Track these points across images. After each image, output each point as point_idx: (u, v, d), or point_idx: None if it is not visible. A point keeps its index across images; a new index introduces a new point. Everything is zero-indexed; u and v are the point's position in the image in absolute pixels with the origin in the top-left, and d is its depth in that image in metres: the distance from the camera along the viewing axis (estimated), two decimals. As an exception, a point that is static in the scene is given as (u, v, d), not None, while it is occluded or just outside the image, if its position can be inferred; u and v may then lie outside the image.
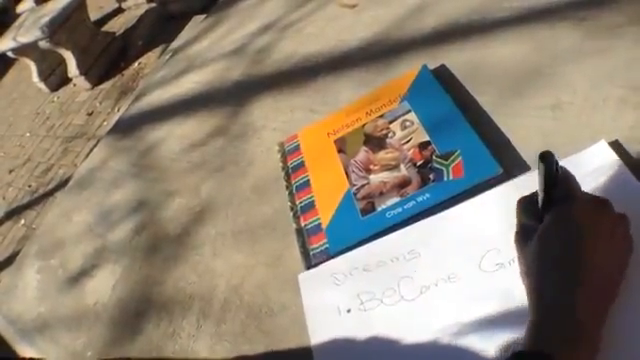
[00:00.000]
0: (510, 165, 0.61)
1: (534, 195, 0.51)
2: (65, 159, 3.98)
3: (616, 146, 0.56)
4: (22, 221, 3.71)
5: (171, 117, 1.15)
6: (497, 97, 0.70)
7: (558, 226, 0.46)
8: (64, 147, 4.10)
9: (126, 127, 1.24)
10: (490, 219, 0.58)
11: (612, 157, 0.55)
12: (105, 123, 3.93)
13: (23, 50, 4.35)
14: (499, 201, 0.59)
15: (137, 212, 0.97)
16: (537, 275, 0.46)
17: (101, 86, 4.40)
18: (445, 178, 0.64)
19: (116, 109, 3.97)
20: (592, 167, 0.56)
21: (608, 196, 0.53)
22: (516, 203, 0.52)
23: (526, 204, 0.51)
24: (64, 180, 3.65)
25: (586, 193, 0.50)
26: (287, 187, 0.78)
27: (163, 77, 1.32)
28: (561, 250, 0.45)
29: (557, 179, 0.48)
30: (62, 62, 4.52)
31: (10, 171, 4.34)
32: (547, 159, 0.46)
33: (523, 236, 0.50)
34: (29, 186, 4.01)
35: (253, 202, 0.82)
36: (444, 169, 0.65)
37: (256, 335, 0.66)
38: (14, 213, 3.86)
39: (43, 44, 4.11)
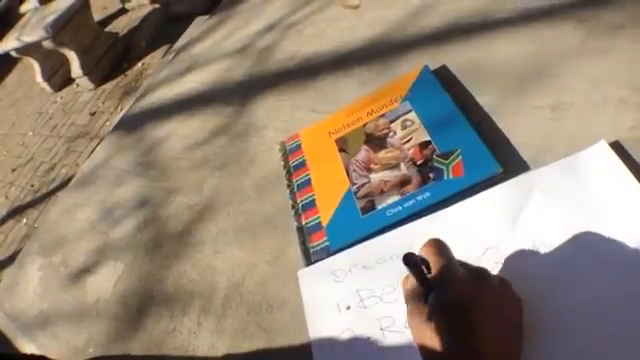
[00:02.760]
0: (510, 165, 0.61)
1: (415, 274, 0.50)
2: (68, 159, 4.00)
3: (616, 147, 0.57)
4: (24, 220, 3.73)
5: (174, 116, 1.16)
6: (498, 97, 0.70)
7: (439, 312, 0.46)
8: (67, 147, 4.12)
9: (129, 125, 1.25)
10: (489, 218, 0.59)
11: (612, 157, 0.56)
12: (108, 123, 3.94)
13: (27, 50, 4.37)
14: (499, 200, 0.59)
15: (139, 210, 0.97)
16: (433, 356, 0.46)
17: (104, 86, 4.42)
18: (445, 177, 0.64)
19: (119, 109, 3.99)
20: (592, 167, 0.56)
21: (608, 197, 0.54)
22: (402, 288, 0.52)
23: (410, 289, 0.50)
24: (67, 179, 3.66)
25: (463, 267, 0.49)
26: (288, 186, 0.79)
27: (166, 76, 1.33)
28: (449, 335, 0.44)
29: (429, 266, 0.48)
30: (65, 62, 4.54)
31: (13, 170, 4.36)
32: (410, 263, 0.48)
33: (415, 321, 0.48)
34: (32, 185, 4.03)
35: (254, 200, 0.83)
36: (444, 168, 0.65)
37: (256, 331, 0.67)
38: (16, 212, 3.88)
39: (47, 44, 4.13)
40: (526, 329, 0.48)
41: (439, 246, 0.49)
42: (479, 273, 0.48)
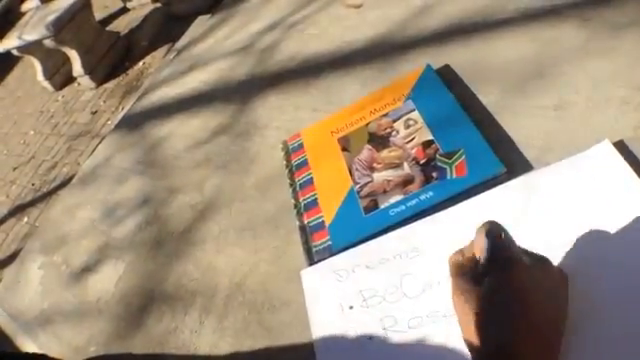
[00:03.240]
0: (513, 164, 0.61)
1: (466, 252, 0.50)
2: (69, 157, 3.99)
3: (620, 146, 0.56)
4: (25, 219, 3.73)
5: (175, 115, 1.16)
6: (500, 97, 0.70)
7: (498, 292, 0.45)
8: (68, 145, 4.12)
9: (131, 124, 1.25)
10: (492, 217, 0.58)
11: (615, 157, 0.56)
12: (109, 122, 3.94)
13: (28, 48, 4.36)
14: (502, 199, 0.59)
15: (141, 209, 0.97)
16: (479, 339, 0.45)
17: (105, 85, 4.42)
18: (448, 176, 0.64)
19: (120, 108, 3.98)
20: (595, 167, 0.56)
21: (612, 196, 0.54)
22: (449, 264, 0.51)
23: (459, 263, 0.50)
24: (68, 178, 3.66)
25: (526, 254, 0.48)
26: (290, 185, 0.79)
27: (168, 76, 1.32)
28: (502, 315, 0.45)
29: (500, 244, 0.47)
30: (67, 61, 4.54)
31: (14, 169, 4.36)
32: (491, 234, 0.46)
33: (459, 299, 0.48)
34: (33, 184, 4.03)
35: (256, 199, 0.83)
36: (447, 167, 0.65)
37: (258, 331, 0.66)
38: (17, 211, 3.87)
39: (48, 43, 4.12)
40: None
41: (500, 228, 0.48)
42: (542, 260, 0.48)
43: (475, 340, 0.45)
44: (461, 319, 0.48)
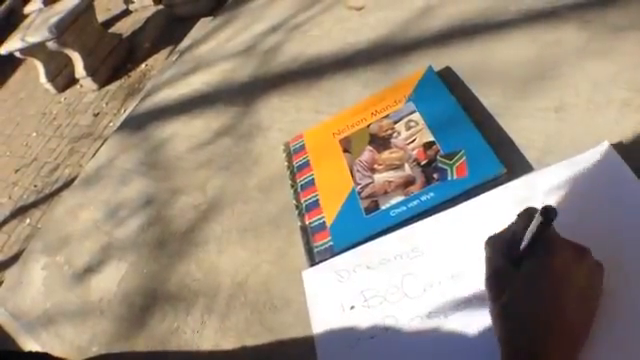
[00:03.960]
0: (513, 165, 0.62)
1: (505, 235, 0.50)
2: (71, 159, 4.00)
3: (619, 148, 0.57)
4: (27, 220, 3.73)
5: (178, 116, 1.16)
6: (501, 98, 0.70)
7: (538, 276, 0.46)
8: (70, 147, 4.13)
9: (134, 126, 1.25)
10: (493, 218, 0.58)
11: (615, 158, 0.56)
12: (111, 124, 3.95)
13: (31, 50, 4.38)
14: (502, 200, 0.60)
15: (143, 209, 0.97)
16: (511, 320, 0.46)
17: (107, 87, 4.43)
18: (449, 177, 0.65)
19: (122, 110, 3.99)
20: (595, 168, 0.56)
21: (610, 197, 0.54)
22: (485, 243, 0.51)
23: (498, 245, 0.50)
24: (70, 180, 3.67)
25: (566, 242, 0.48)
26: (292, 186, 0.79)
27: (170, 77, 1.33)
28: (539, 300, 0.45)
29: (547, 227, 0.47)
30: (69, 63, 4.55)
31: (16, 170, 4.37)
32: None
33: (497, 281, 0.49)
34: (35, 186, 4.04)
35: (258, 200, 0.83)
36: (448, 168, 0.65)
37: (260, 331, 0.67)
38: (20, 212, 3.88)
39: (51, 45, 4.14)
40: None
41: (553, 213, 0.47)
42: (582, 249, 0.47)
43: (505, 330, 0.46)
44: (494, 304, 0.48)
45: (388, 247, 0.63)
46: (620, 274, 0.49)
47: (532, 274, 0.46)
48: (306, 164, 0.81)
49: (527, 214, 0.49)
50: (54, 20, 4.03)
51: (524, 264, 0.46)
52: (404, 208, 0.65)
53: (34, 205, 3.85)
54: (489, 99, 0.71)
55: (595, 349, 0.46)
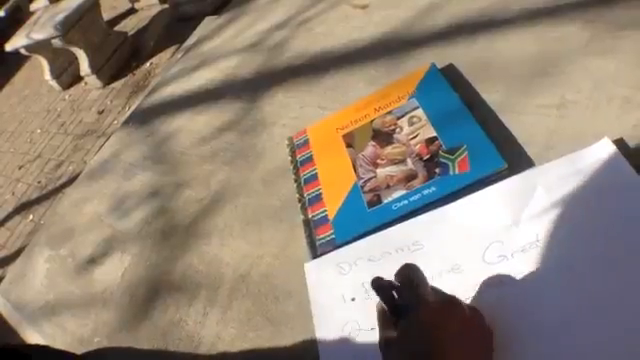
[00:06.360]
0: (515, 161, 0.62)
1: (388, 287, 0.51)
2: (75, 156, 4.02)
3: (620, 144, 0.57)
4: (30, 217, 3.75)
5: (183, 112, 1.17)
6: (503, 95, 0.71)
7: (409, 335, 0.46)
8: (74, 144, 4.14)
9: (138, 121, 1.26)
10: (494, 212, 0.59)
11: (615, 154, 0.56)
12: (115, 122, 3.97)
13: (36, 48, 4.40)
14: (503, 195, 0.60)
15: (147, 202, 0.98)
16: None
17: (112, 85, 4.45)
18: (451, 172, 0.65)
19: (126, 108, 4.01)
20: (595, 164, 0.57)
21: (611, 193, 0.54)
22: (376, 314, 0.52)
23: (382, 315, 0.51)
24: (73, 177, 3.68)
25: (435, 293, 0.49)
26: (295, 180, 0.80)
27: (176, 74, 1.34)
28: (413, 356, 0.45)
29: (401, 290, 0.49)
30: (74, 60, 4.57)
31: (20, 167, 4.39)
32: (378, 288, 0.48)
33: (386, 346, 0.49)
34: (38, 182, 4.05)
35: (261, 194, 0.84)
36: (450, 163, 0.66)
37: (261, 322, 0.68)
38: (23, 209, 3.90)
39: (56, 42, 4.16)
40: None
41: (411, 271, 0.50)
42: (450, 299, 0.49)
43: None
44: (380, 335, 0.49)
45: (390, 240, 0.64)
46: (619, 270, 0.49)
47: (402, 334, 0.47)
48: (309, 159, 0.81)
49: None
50: (59, 17, 4.05)
51: (398, 326, 0.47)
52: (406, 202, 0.66)
53: (37, 202, 3.87)
54: (491, 96, 0.72)
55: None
